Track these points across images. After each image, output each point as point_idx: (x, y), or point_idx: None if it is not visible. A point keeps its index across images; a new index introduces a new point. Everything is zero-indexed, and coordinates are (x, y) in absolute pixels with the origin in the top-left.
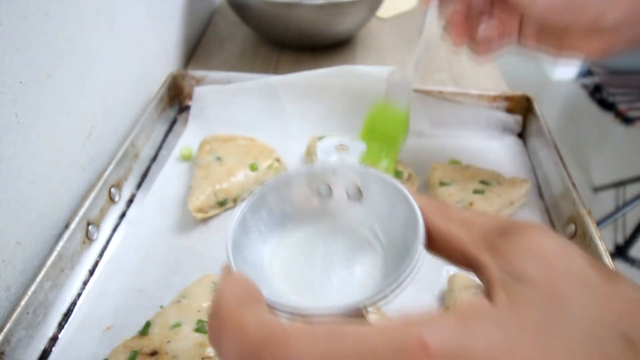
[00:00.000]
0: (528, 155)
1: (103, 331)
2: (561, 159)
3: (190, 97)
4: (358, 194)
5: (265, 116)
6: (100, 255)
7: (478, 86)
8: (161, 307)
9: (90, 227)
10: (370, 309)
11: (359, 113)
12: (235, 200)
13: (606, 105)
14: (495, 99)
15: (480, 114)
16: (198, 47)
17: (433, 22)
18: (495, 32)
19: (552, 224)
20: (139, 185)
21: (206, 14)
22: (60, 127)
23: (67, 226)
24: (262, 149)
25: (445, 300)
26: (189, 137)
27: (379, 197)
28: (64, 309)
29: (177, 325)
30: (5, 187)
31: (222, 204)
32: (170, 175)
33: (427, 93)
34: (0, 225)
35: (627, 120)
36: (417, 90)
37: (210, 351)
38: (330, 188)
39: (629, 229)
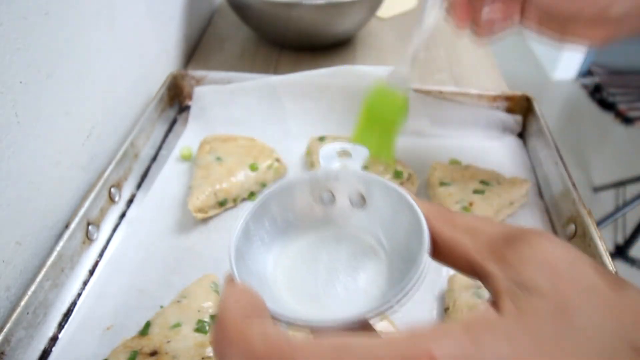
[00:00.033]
0: (528, 155)
1: (103, 331)
2: (561, 159)
3: (190, 97)
4: (361, 201)
5: (265, 116)
6: (100, 255)
7: (478, 86)
8: (161, 307)
9: (90, 227)
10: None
11: (359, 113)
12: (235, 200)
13: (606, 105)
14: (495, 99)
15: (480, 114)
16: (198, 47)
17: (434, 9)
18: (499, 14)
19: (552, 224)
20: (139, 185)
21: (206, 14)
22: (60, 127)
23: (67, 226)
24: (262, 149)
25: (445, 300)
26: (189, 137)
27: (382, 204)
28: (64, 309)
29: (177, 325)
30: (5, 187)
31: (222, 204)
32: (170, 175)
33: (427, 93)
34: (0, 225)
35: (627, 120)
36: (417, 90)
37: (210, 351)
38: (332, 195)
39: (629, 229)
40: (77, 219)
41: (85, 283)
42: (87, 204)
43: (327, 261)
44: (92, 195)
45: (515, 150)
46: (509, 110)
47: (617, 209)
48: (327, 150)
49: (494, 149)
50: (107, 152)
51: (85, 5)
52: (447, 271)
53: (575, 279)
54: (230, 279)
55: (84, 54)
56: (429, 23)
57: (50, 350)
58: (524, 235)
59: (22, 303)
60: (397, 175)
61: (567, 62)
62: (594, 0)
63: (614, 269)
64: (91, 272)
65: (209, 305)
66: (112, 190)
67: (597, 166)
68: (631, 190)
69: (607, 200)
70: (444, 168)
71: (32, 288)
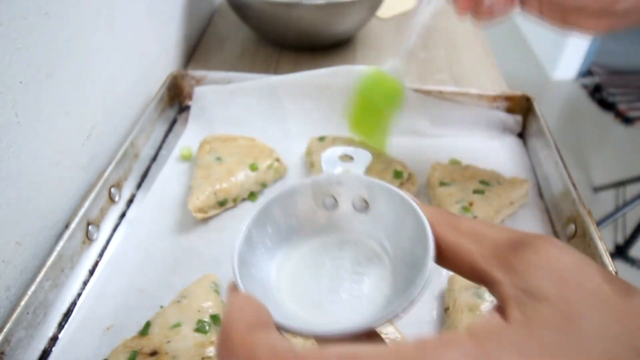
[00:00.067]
0: (528, 155)
1: (103, 331)
2: (561, 159)
3: (190, 97)
4: (364, 206)
5: (265, 116)
6: (100, 255)
7: (478, 86)
8: (161, 307)
9: (90, 227)
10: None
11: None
12: (235, 200)
13: (606, 105)
14: (495, 99)
15: (480, 114)
16: (198, 47)
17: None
18: (501, 0)
19: (552, 224)
20: (139, 185)
21: (206, 14)
22: (60, 127)
23: (67, 226)
24: (262, 149)
25: (445, 300)
26: (189, 137)
27: (386, 208)
28: (64, 309)
29: (177, 325)
30: (5, 187)
31: (222, 204)
32: (170, 175)
33: (427, 93)
34: (0, 225)
35: (627, 120)
36: (417, 90)
37: (210, 351)
38: (335, 200)
39: (629, 229)
40: (77, 219)
41: (85, 283)
42: (87, 204)
43: (330, 267)
44: (92, 195)
45: (515, 150)
46: (509, 110)
47: (617, 209)
48: (329, 154)
49: (494, 149)
50: (107, 152)
51: (85, 5)
52: (447, 271)
53: (582, 285)
54: (233, 289)
55: (84, 54)
56: (426, 12)
57: (50, 350)
58: (530, 241)
59: (22, 303)
60: (397, 175)
61: (567, 62)
62: None
63: (614, 269)
64: (91, 272)
65: (209, 305)
66: (112, 190)
67: (597, 166)
68: (631, 190)
69: (607, 200)
70: (444, 168)
71: (32, 288)
